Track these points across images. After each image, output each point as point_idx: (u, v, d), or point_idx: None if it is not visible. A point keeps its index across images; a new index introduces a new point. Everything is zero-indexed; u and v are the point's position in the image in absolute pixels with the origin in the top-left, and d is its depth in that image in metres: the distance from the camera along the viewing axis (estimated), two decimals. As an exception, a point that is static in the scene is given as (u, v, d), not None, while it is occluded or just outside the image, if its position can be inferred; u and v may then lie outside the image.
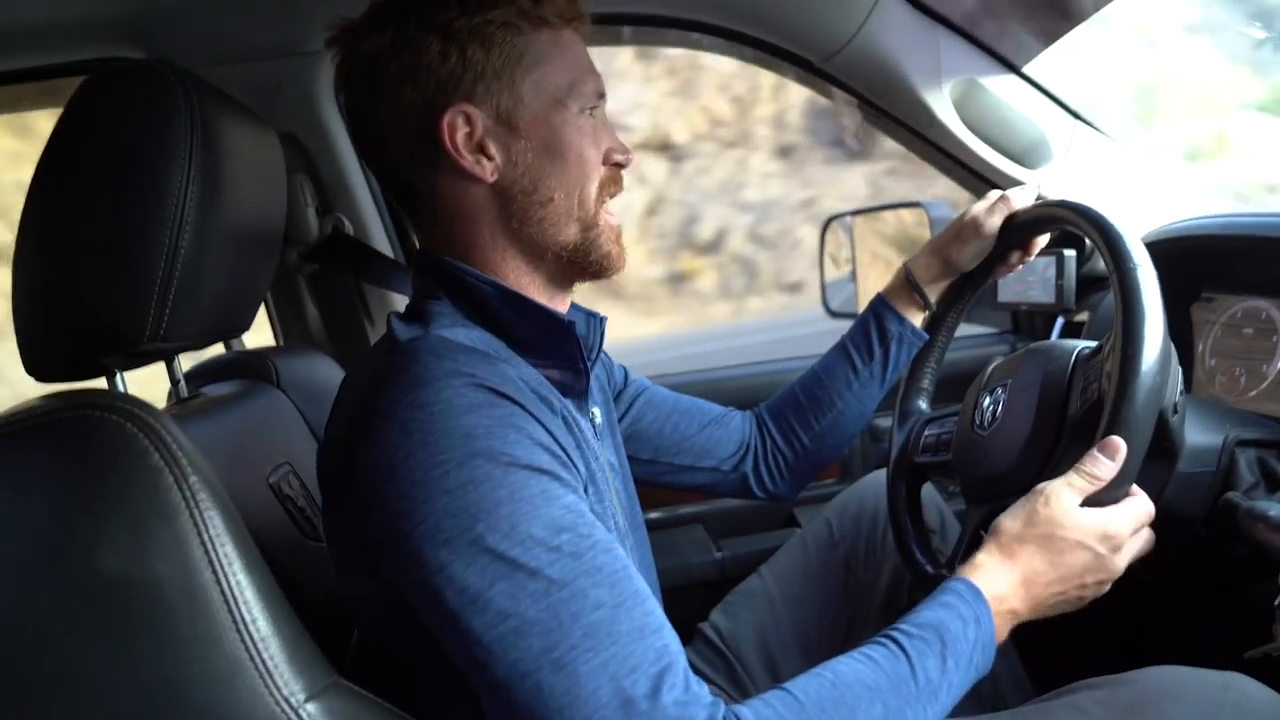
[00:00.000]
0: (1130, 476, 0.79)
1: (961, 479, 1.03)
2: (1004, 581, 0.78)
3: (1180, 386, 0.87)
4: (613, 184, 0.85)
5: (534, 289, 0.83)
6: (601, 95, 0.83)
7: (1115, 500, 0.79)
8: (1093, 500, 0.78)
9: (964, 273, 1.12)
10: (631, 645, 0.63)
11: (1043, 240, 1.11)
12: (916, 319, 1.13)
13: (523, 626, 0.62)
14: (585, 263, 0.83)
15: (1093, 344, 0.93)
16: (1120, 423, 0.78)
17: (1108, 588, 0.80)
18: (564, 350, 0.82)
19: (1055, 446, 0.90)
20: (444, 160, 0.78)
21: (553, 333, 0.81)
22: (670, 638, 0.66)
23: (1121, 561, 0.79)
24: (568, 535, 0.64)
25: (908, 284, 1.12)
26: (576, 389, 0.84)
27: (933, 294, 1.12)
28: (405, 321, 0.79)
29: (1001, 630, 0.77)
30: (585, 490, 0.74)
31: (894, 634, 0.73)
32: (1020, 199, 1.06)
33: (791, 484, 1.18)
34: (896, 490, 1.13)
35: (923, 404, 1.18)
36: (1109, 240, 0.84)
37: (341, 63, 0.81)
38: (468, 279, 0.80)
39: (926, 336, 1.13)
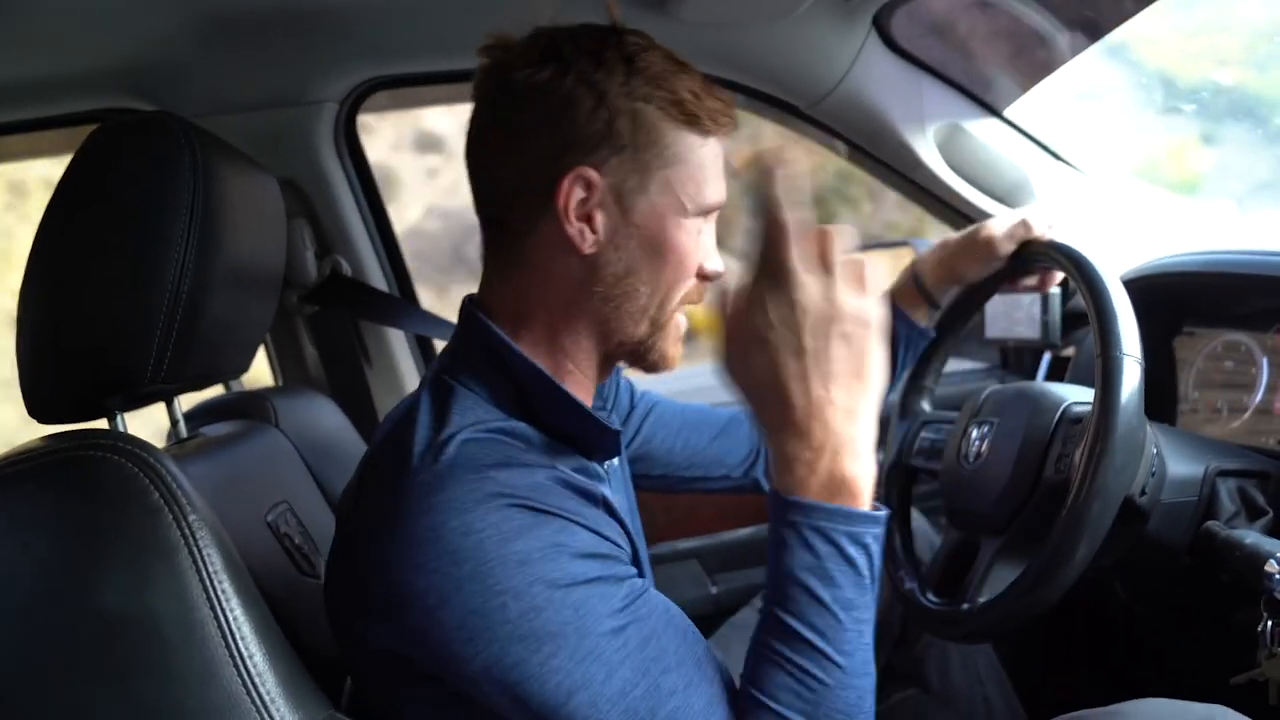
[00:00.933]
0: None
1: (944, 500, 1.07)
2: (797, 457, 0.68)
3: (1153, 465, 0.89)
4: (695, 294, 0.82)
5: (587, 364, 0.81)
6: (720, 207, 0.81)
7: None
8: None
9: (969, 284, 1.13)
10: (709, 716, 0.66)
11: (1058, 276, 1.12)
12: (922, 318, 1.13)
13: None
14: (644, 356, 0.82)
15: (1083, 402, 0.95)
16: (1077, 517, 0.82)
17: (859, 306, 0.67)
18: (600, 445, 0.81)
19: (1028, 501, 0.94)
20: (549, 215, 0.75)
21: (599, 438, 0.80)
22: (732, 693, 0.69)
23: (812, 290, 0.67)
24: (632, 629, 0.66)
25: (915, 286, 1.12)
26: (600, 460, 0.84)
27: (938, 297, 1.13)
28: (434, 407, 0.74)
29: (851, 474, 0.67)
30: (634, 559, 0.75)
31: (771, 613, 0.69)
32: (1040, 226, 1.05)
33: None
34: (889, 490, 1.16)
35: (925, 404, 1.19)
36: (1103, 319, 0.85)
37: (484, 77, 0.78)
38: (514, 361, 0.77)
39: (933, 335, 1.13)
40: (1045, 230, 1.05)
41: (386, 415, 0.81)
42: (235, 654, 0.64)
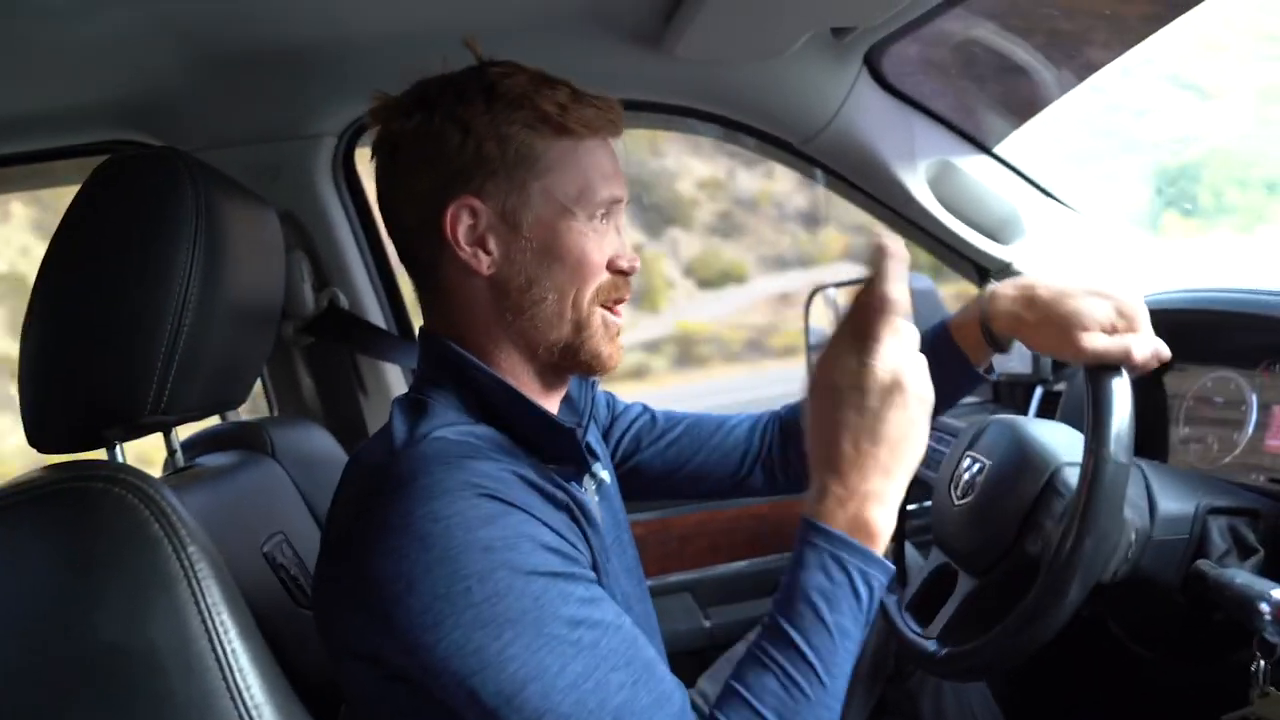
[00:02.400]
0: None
1: (933, 521, 1.08)
2: (833, 493, 0.73)
3: (1128, 551, 0.90)
4: (614, 290, 0.85)
5: (526, 377, 0.85)
6: (617, 202, 0.84)
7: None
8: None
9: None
10: (654, 714, 0.68)
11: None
12: (979, 359, 1.01)
13: None
14: (575, 360, 0.84)
15: (1075, 464, 0.92)
16: (1041, 602, 0.84)
17: (923, 390, 0.73)
18: (565, 454, 0.83)
19: (1003, 560, 0.95)
20: (447, 246, 0.81)
21: (555, 439, 0.82)
22: (681, 696, 0.71)
23: (890, 361, 0.71)
24: (584, 628, 0.68)
25: (980, 327, 0.98)
26: (576, 475, 0.86)
27: (1005, 344, 0.99)
28: (407, 414, 0.79)
29: (866, 519, 0.72)
30: (594, 567, 0.77)
31: (774, 622, 0.72)
32: (1142, 353, 0.87)
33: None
34: None
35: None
36: (1100, 418, 0.83)
37: (376, 136, 0.85)
38: (473, 372, 0.82)
39: (993, 378, 1.09)
40: (1145, 360, 0.87)
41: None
42: (233, 686, 0.64)
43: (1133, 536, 0.90)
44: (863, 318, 0.73)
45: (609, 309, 0.85)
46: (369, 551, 0.68)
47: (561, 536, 0.72)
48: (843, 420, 0.72)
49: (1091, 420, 0.84)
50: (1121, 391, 0.84)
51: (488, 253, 0.81)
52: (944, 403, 1.01)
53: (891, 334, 0.72)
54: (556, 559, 0.70)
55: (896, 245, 0.72)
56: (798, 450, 1.11)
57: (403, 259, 0.87)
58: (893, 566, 0.74)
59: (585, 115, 0.81)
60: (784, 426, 1.16)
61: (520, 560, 0.67)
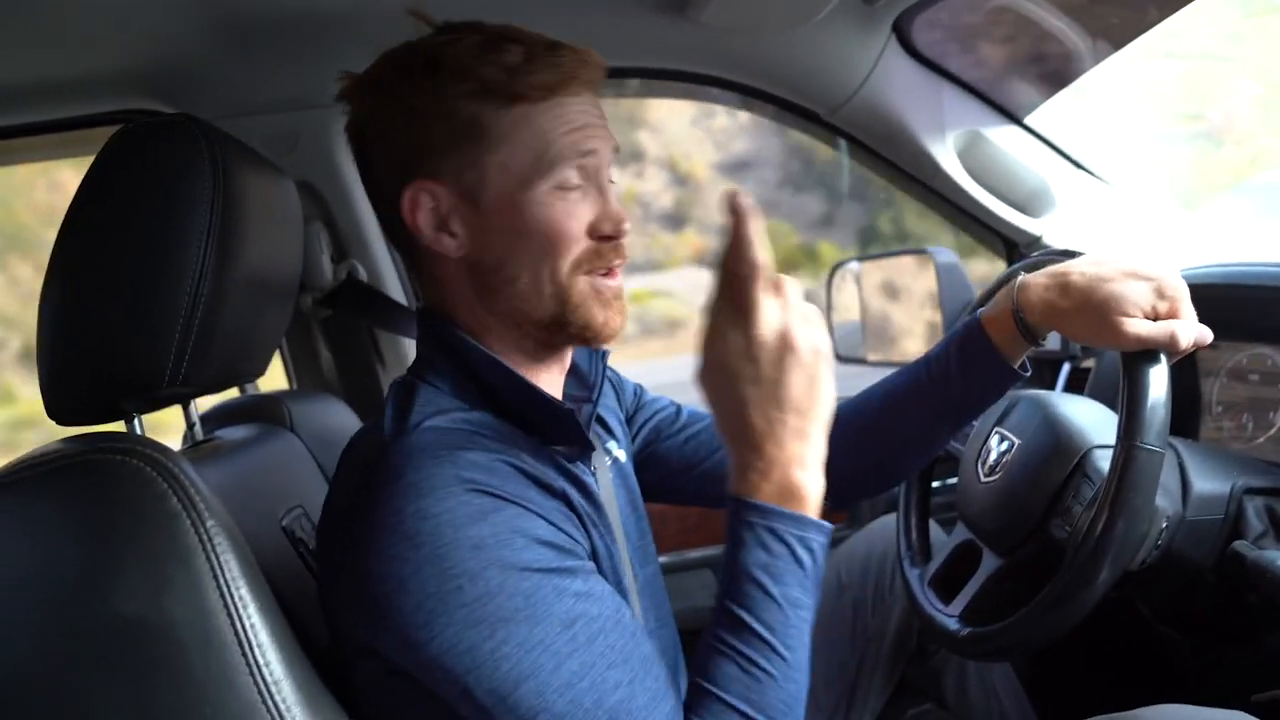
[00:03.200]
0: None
1: (958, 496, 1.07)
2: (753, 466, 0.71)
3: (1158, 540, 0.88)
4: (598, 258, 0.79)
5: (520, 354, 0.81)
6: (590, 158, 0.78)
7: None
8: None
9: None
10: (650, 713, 0.67)
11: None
12: (1016, 355, 0.92)
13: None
14: (565, 333, 0.80)
15: (1106, 446, 0.90)
16: (1067, 589, 0.83)
17: (813, 343, 0.70)
18: (566, 435, 0.81)
19: (1028, 541, 0.94)
20: (413, 232, 0.78)
21: (554, 419, 0.80)
22: (677, 695, 0.70)
23: (771, 319, 0.69)
24: (581, 624, 0.67)
25: (1014, 321, 0.90)
26: (582, 456, 0.83)
27: (1042, 335, 0.91)
28: (401, 401, 0.77)
29: (801, 484, 0.70)
30: (594, 554, 0.76)
31: (722, 606, 0.71)
32: (1186, 339, 0.82)
33: (837, 503, 1.04)
34: (910, 486, 1.16)
35: None
36: (1135, 407, 0.81)
37: (346, 120, 0.82)
38: (468, 353, 0.79)
39: (1028, 374, 0.95)
40: (1190, 345, 0.83)
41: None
42: (252, 661, 0.64)
43: (1164, 524, 0.88)
44: (733, 286, 0.69)
45: (599, 275, 0.79)
46: (361, 550, 0.67)
47: (557, 528, 0.71)
48: (743, 396, 0.69)
49: (1126, 407, 0.81)
50: (1159, 379, 0.81)
51: (453, 235, 0.78)
52: (977, 401, 0.98)
53: (766, 295, 0.69)
54: (551, 553, 0.68)
55: (745, 200, 0.68)
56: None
57: (391, 242, 0.85)
58: (829, 526, 0.73)
59: (539, 77, 0.75)
60: None
61: (512, 557, 0.66)
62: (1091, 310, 0.84)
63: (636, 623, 0.72)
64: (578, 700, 0.65)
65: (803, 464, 0.71)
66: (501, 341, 0.81)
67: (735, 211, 0.67)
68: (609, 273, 0.80)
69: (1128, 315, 0.82)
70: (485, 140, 0.76)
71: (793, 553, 0.70)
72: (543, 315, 0.79)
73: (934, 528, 1.24)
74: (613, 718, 0.65)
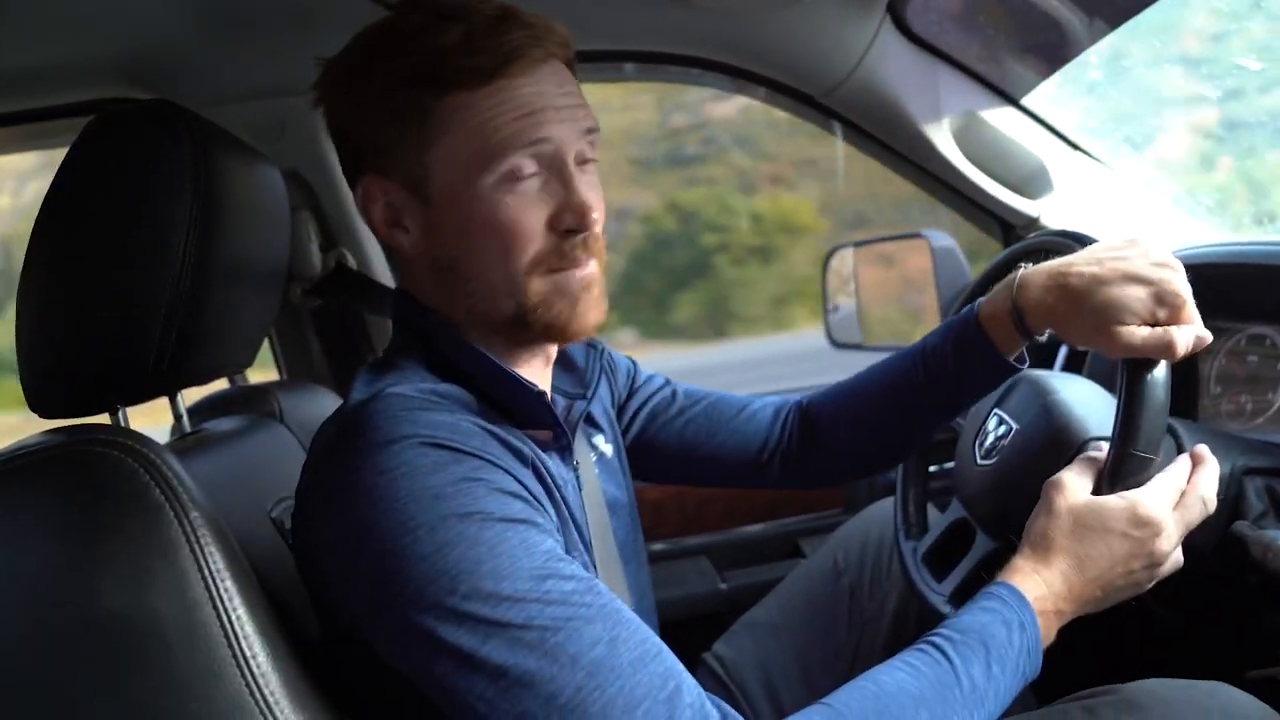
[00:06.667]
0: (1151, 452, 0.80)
1: (954, 477, 1.06)
2: (1043, 582, 0.76)
3: None
4: (557, 257, 0.74)
5: (499, 346, 0.78)
6: (544, 144, 0.72)
7: (1138, 482, 0.79)
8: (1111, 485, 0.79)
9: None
10: (636, 675, 0.61)
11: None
12: (1010, 349, 0.91)
13: (524, 678, 0.59)
14: (530, 333, 0.77)
15: (1104, 439, 0.88)
16: None
17: (1165, 569, 0.79)
18: (537, 418, 0.77)
19: (1021, 528, 0.91)
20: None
21: (524, 402, 0.76)
22: (671, 660, 0.64)
23: (1166, 543, 0.77)
24: (552, 581, 0.62)
25: (1011, 318, 0.88)
26: (558, 446, 0.80)
27: (1038, 333, 0.90)
28: (368, 377, 0.75)
29: (1048, 632, 0.75)
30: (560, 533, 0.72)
31: (936, 639, 0.70)
32: (1183, 344, 0.78)
33: (834, 482, 1.16)
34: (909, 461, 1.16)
35: None
36: (1131, 413, 0.80)
37: None
38: (438, 335, 0.77)
39: (1024, 368, 0.94)
40: (1187, 350, 0.79)
41: None
42: (239, 655, 0.63)
43: None
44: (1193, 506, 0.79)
45: (560, 272, 0.74)
46: (320, 518, 0.66)
47: (524, 487, 0.67)
48: (1092, 552, 0.76)
49: (1123, 412, 0.80)
50: (1156, 386, 0.79)
51: (405, 231, 0.75)
52: (974, 394, 0.98)
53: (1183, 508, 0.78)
54: (517, 504, 0.65)
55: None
56: (818, 446, 1.08)
57: None
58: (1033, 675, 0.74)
59: (477, 60, 0.69)
60: (805, 417, 1.09)
61: (472, 506, 0.62)
62: (1088, 316, 0.80)
63: (615, 596, 0.66)
64: (552, 655, 0.59)
65: (1062, 619, 0.76)
66: (477, 332, 0.78)
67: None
68: (570, 269, 0.75)
69: (1124, 324, 0.78)
70: (425, 130, 0.71)
71: (1019, 656, 0.71)
72: (504, 314, 0.75)
73: (932, 511, 1.23)
74: (592, 674, 0.60)
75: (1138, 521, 0.76)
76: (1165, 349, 0.78)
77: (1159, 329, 0.78)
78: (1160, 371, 0.80)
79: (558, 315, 0.75)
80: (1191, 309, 0.80)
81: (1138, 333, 0.78)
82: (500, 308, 0.75)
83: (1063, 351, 1.50)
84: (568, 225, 0.73)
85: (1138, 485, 0.79)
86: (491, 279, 0.73)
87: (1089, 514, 0.77)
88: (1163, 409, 0.80)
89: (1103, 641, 0.99)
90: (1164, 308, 0.79)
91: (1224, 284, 1.21)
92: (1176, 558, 0.79)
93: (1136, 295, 0.79)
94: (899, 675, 0.67)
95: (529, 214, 0.72)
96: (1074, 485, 0.79)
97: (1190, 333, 0.79)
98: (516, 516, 0.64)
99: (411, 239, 0.75)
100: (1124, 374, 0.81)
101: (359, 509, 0.62)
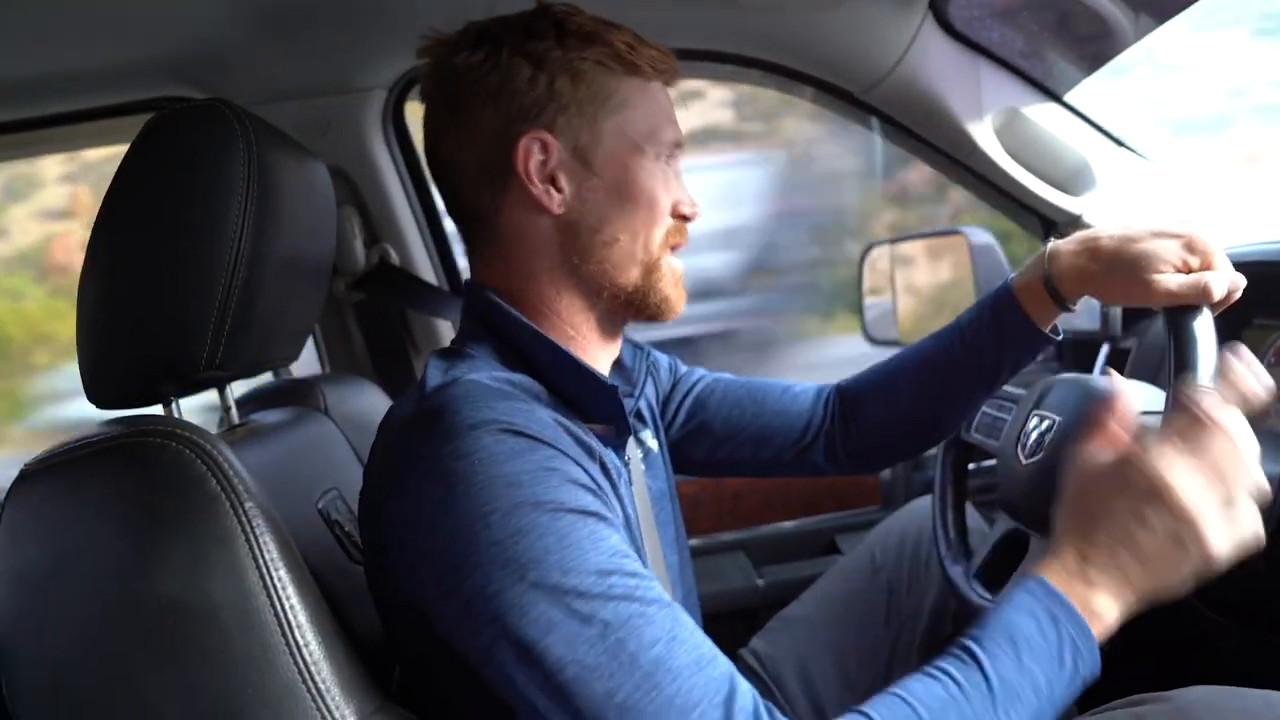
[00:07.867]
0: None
1: (999, 487, 1.04)
2: (1058, 561, 0.71)
3: None
4: (677, 235, 0.84)
5: (586, 327, 0.83)
6: (679, 146, 0.84)
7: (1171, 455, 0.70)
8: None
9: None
10: (693, 678, 0.61)
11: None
12: (1045, 320, 0.93)
13: (583, 673, 0.60)
14: (643, 304, 0.83)
15: (1154, 412, 0.88)
16: None
17: (1218, 551, 0.69)
18: (606, 411, 0.80)
19: None
20: (514, 185, 0.79)
21: (595, 394, 0.79)
22: (726, 663, 0.65)
23: (1185, 496, 0.67)
24: (616, 577, 0.63)
25: (1044, 286, 0.90)
26: (617, 442, 0.83)
27: (1073, 301, 0.91)
28: (441, 364, 0.77)
29: (1102, 613, 0.69)
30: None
31: (963, 642, 0.69)
32: (1219, 289, 0.80)
33: (875, 465, 1.11)
34: (945, 458, 1.14)
35: None
36: (1185, 357, 0.78)
37: (428, 75, 0.82)
38: (513, 328, 0.79)
39: (1059, 338, 0.95)
40: (1224, 295, 0.81)
41: None
42: (291, 642, 0.64)
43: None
44: (1203, 438, 0.68)
45: (675, 250, 0.84)
46: (395, 498, 0.66)
47: (594, 480, 0.68)
48: (1117, 519, 0.69)
49: (1175, 361, 0.79)
50: (1205, 328, 0.79)
51: (559, 190, 0.79)
52: (1010, 368, 0.97)
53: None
54: (588, 496, 0.66)
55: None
56: (858, 426, 1.07)
57: (454, 209, 0.85)
58: (1098, 665, 0.69)
59: (652, 56, 0.81)
60: (844, 398, 1.10)
61: (545, 495, 0.63)
62: (1122, 270, 0.83)
63: (670, 598, 0.67)
64: (612, 651, 0.60)
65: (1117, 600, 0.69)
66: (569, 310, 0.82)
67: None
68: (675, 251, 0.85)
69: (1158, 272, 0.81)
70: (608, 103, 0.80)
71: (1060, 647, 0.66)
72: (627, 283, 0.81)
73: (975, 518, 1.22)
74: (650, 674, 0.60)
75: (1126, 471, 0.70)
76: (1202, 293, 0.79)
77: (1194, 274, 0.80)
78: (1206, 315, 0.80)
79: (669, 291, 0.84)
80: (1222, 257, 0.82)
81: (1174, 279, 0.80)
82: (627, 275, 0.81)
83: (1103, 353, 1.49)
84: (685, 212, 0.84)
85: None
86: (633, 245, 0.81)
87: (1086, 479, 0.72)
88: (1214, 347, 0.78)
89: (1153, 647, 0.98)
90: (1195, 255, 0.81)
91: (1272, 282, 1.19)
92: (1242, 520, 0.70)
93: (1167, 246, 0.82)
94: (929, 682, 0.66)
95: (667, 194, 0.82)
96: (1086, 457, 0.74)
97: (1224, 277, 0.80)
98: (588, 509, 0.65)
99: (563, 198, 0.79)
100: (1169, 325, 0.81)
101: (436, 490, 0.64)
